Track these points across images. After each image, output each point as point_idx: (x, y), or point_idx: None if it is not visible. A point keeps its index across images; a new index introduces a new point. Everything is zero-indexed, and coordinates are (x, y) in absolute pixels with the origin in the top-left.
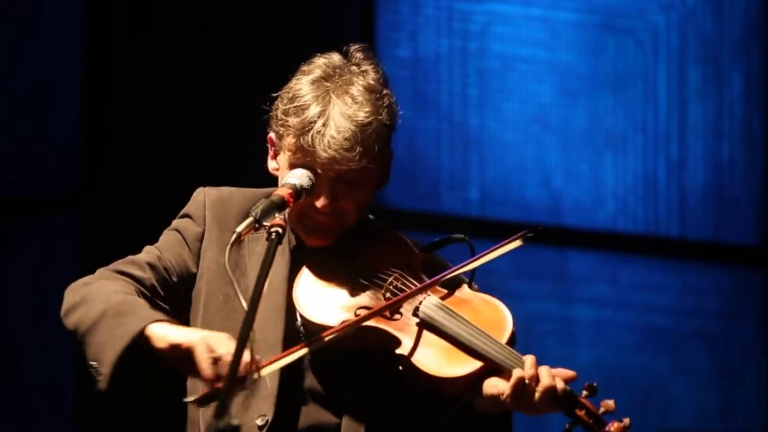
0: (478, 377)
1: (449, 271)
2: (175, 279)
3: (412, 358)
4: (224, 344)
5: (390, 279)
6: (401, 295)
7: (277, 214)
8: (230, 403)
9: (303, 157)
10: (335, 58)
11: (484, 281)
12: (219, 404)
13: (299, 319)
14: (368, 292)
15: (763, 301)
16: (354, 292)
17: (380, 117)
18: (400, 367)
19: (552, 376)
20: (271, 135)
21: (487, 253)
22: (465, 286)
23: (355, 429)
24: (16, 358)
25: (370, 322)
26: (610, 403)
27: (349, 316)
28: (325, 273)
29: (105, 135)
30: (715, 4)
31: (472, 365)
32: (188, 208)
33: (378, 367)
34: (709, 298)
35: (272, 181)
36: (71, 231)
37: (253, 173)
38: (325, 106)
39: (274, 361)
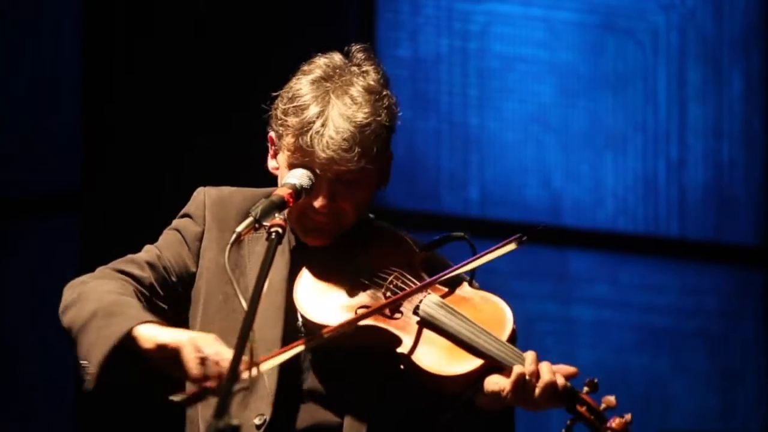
0: (479, 375)
1: (447, 271)
2: (174, 278)
3: (413, 357)
4: (211, 344)
5: (390, 278)
6: (401, 293)
7: (276, 214)
8: (230, 403)
9: (302, 157)
10: (336, 58)
11: (484, 281)
12: (219, 404)
13: (300, 319)
14: (368, 292)
15: (763, 301)
16: (354, 291)
17: (379, 118)
18: (401, 366)
19: (552, 372)
20: (271, 134)
21: (481, 256)
22: (465, 284)
23: (357, 429)
24: (16, 358)
25: (371, 321)
26: (611, 399)
27: (350, 316)
28: (325, 273)
29: (105, 135)
30: (715, 4)
31: (473, 363)
32: (188, 208)
33: (379, 367)
34: (709, 298)
35: (272, 180)
36: (71, 231)
37: (253, 173)
38: (325, 106)
39: (273, 356)
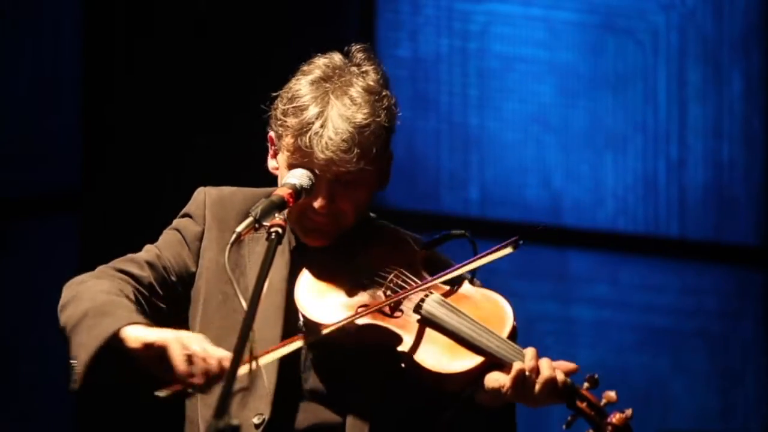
0: (479, 372)
1: (443, 273)
2: (174, 278)
3: (413, 355)
4: (198, 342)
5: (390, 276)
6: (402, 292)
7: (276, 214)
8: (230, 402)
9: (301, 158)
10: (336, 58)
11: (483, 280)
12: (218, 404)
13: (301, 318)
14: (369, 291)
15: (763, 301)
16: (354, 290)
17: (378, 119)
18: (402, 365)
19: (552, 369)
20: (271, 134)
21: (476, 259)
22: (466, 282)
23: (359, 428)
24: (16, 358)
25: (371, 319)
26: (611, 394)
27: (351, 315)
28: (325, 273)
29: (105, 135)
30: (715, 4)
31: (474, 360)
32: (188, 208)
33: (380, 365)
34: (709, 298)
35: (272, 180)
36: (71, 231)
37: (253, 173)
38: (324, 107)
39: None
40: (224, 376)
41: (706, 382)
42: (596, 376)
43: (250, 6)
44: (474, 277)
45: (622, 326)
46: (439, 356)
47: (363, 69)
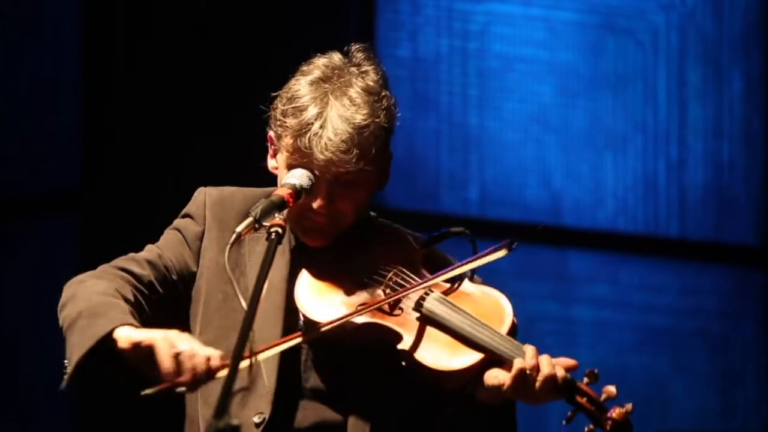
0: (479, 369)
1: (439, 273)
2: (175, 277)
3: (413, 353)
4: (185, 341)
5: (389, 275)
6: (401, 290)
7: (276, 214)
8: (230, 402)
9: (300, 159)
10: (336, 58)
11: (483, 280)
12: (218, 404)
13: (301, 318)
14: (368, 289)
15: (763, 301)
16: (354, 289)
17: (378, 119)
18: (403, 363)
19: (552, 365)
20: (271, 134)
21: (470, 262)
22: (466, 280)
23: (361, 427)
24: (16, 358)
25: (371, 318)
26: (611, 389)
27: (350, 313)
28: (325, 272)
29: (105, 135)
30: (715, 4)
31: (473, 357)
32: (189, 208)
33: (380, 364)
34: (709, 298)
35: (272, 180)
36: (71, 231)
37: (252, 173)
38: (323, 107)
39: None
40: (215, 373)
41: (706, 382)
42: (596, 371)
43: (250, 6)
44: (474, 274)
45: (622, 326)
46: (439, 354)
47: (363, 69)
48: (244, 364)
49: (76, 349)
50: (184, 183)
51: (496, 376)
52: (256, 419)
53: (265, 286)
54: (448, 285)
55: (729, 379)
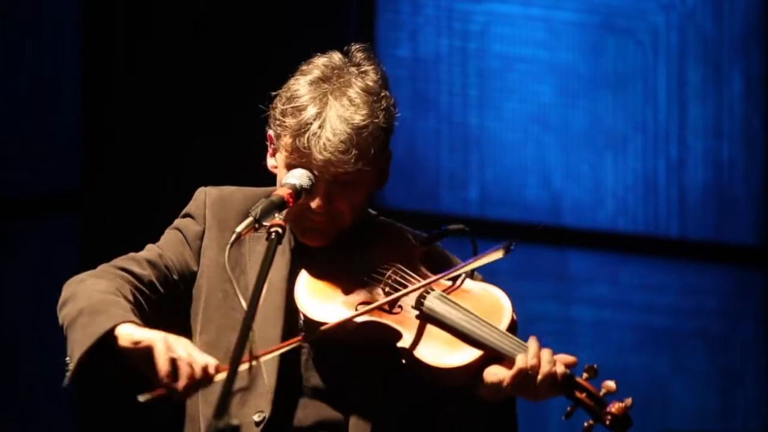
0: (479, 366)
1: (438, 276)
2: (175, 276)
3: (413, 351)
4: (183, 346)
5: (388, 273)
6: (402, 290)
7: (276, 214)
8: (230, 402)
9: (299, 158)
10: (335, 58)
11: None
12: (219, 404)
13: (302, 318)
14: (368, 288)
15: (763, 301)
16: (354, 288)
17: (377, 120)
18: (403, 361)
19: (553, 362)
20: (270, 133)
21: (467, 265)
22: (465, 276)
23: (362, 425)
24: (16, 358)
25: (370, 317)
26: (610, 384)
27: (350, 313)
28: (324, 272)
29: (105, 135)
30: (715, 4)
31: (473, 354)
32: (189, 208)
33: (381, 362)
34: (709, 298)
35: (272, 180)
36: (71, 231)
37: (252, 173)
38: (322, 108)
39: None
40: (212, 379)
41: (706, 382)
42: (595, 366)
43: (250, 6)
44: (475, 271)
45: (622, 326)
46: (439, 351)
47: (362, 69)
48: (245, 367)
49: (77, 346)
50: (184, 183)
51: (495, 374)
52: (256, 418)
53: (265, 286)
54: (448, 283)
55: (729, 379)
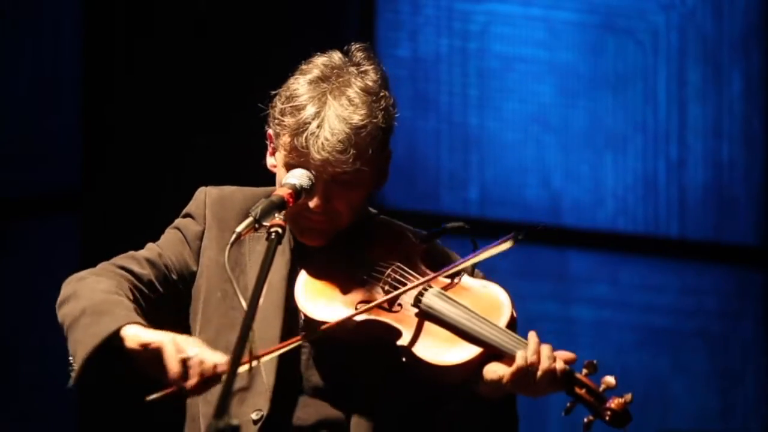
0: (479, 363)
1: (440, 272)
2: (175, 276)
3: (413, 349)
4: (194, 345)
5: (388, 271)
6: (402, 288)
7: (276, 214)
8: (230, 402)
9: (297, 158)
10: (335, 57)
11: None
12: (219, 404)
13: (302, 318)
14: (367, 286)
15: (763, 301)
16: (353, 287)
17: (375, 120)
18: (403, 359)
19: (552, 358)
20: (270, 132)
21: (475, 255)
22: (464, 274)
23: (364, 424)
24: (16, 358)
25: (370, 315)
26: (610, 379)
27: (350, 312)
28: (324, 271)
29: (105, 135)
30: (715, 4)
31: (472, 351)
32: (189, 207)
33: (381, 361)
34: (709, 298)
35: (272, 179)
36: (71, 231)
37: (252, 173)
38: (321, 107)
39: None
40: (221, 377)
41: (706, 382)
42: (595, 362)
43: (250, 6)
44: (474, 268)
45: (622, 326)
46: (438, 349)
47: (362, 69)
48: (245, 368)
49: (81, 346)
50: (184, 183)
51: (495, 371)
52: (254, 416)
53: (265, 285)
54: (447, 280)
55: (729, 379)
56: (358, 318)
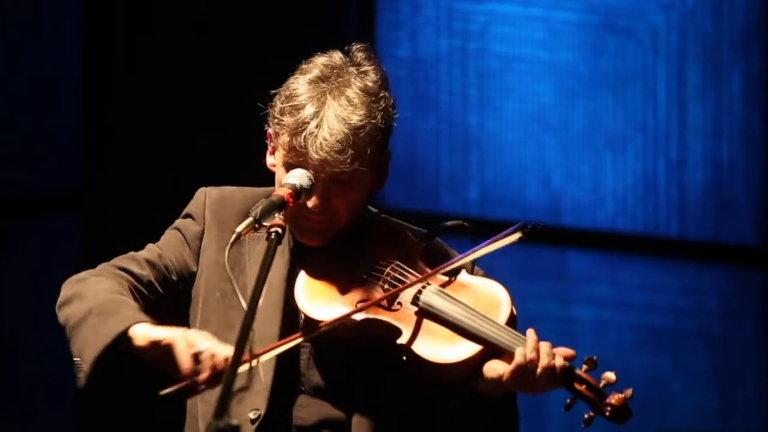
0: (478, 360)
1: (444, 265)
2: (175, 277)
3: (413, 347)
4: (204, 340)
5: (387, 270)
6: (400, 286)
7: (276, 214)
8: (230, 402)
9: (296, 157)
10: (336, 57)
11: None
12: (218, 404)
13: (302, 317)
14: (367, 285)
15: (763, 301)
16: (353, 286)
17: (374, 120)
18: (404, 357)
19: (552, 355)
20: (270, 131)
21: (485, 246)
22: (464, 271)
23: (365, 423)
24: (16, 358)
25: (369, 314)
26: (610, 375)
27: (350, 311)
28: (324, 271)
29: (105, 135)
30: (715, 4)
31: (472, 349)
32: (189, 208)
33: (382, 359)
34: (709, 298)
35: (272, 179)
36: (71, 231)
37: (252, 173)
38: (320, 107)
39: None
40: (224, 374)
41: (706, 382)
42: (595, 358)
43: (250, 6)
44: (475, 265)
45: (622, 326)
46: (437, 346)
47: (362, 69)
48: (245, 367)
49: (89, 346)
50: (184, 183)
51: (494, 368)
52: (252, 416)
53: (264, 286)
54: (446, 277)
55: (729, 379)
56: (358, 317)
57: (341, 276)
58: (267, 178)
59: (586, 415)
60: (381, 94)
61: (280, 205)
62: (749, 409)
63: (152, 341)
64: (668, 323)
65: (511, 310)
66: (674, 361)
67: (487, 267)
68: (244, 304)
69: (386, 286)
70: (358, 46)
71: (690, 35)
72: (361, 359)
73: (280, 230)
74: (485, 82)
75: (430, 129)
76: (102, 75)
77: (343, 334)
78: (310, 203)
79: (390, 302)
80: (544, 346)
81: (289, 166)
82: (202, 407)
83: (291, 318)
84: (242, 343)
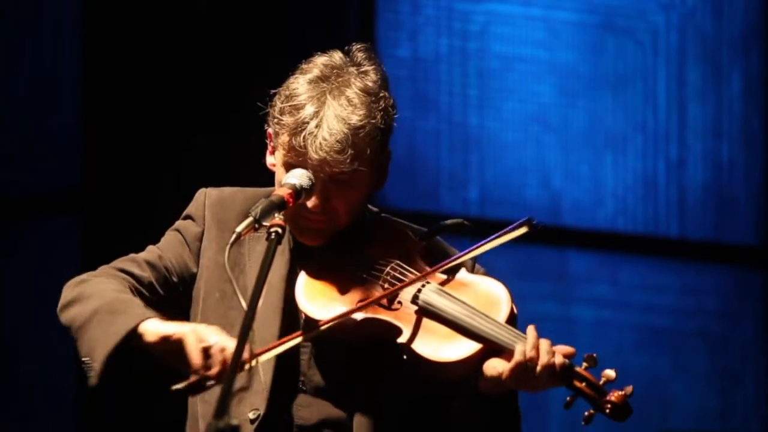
0: (479, 359)
1: (450, 259)
2: (175, 278)
3: (413, 346)
4: (214, 334)
5: (387, 269)
6: (399, 284)
7: (276, 214)
8: (230, 402)
9: (296, 157)
10: (336, 57)
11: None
12: (218, 404)
13: (303, 317)
14: (367, 285)
15: (763, 301)
16: (353, 285)
17: (374, 120)
18: (404, 356)
19: (551, 353)
20: (269, 131)
21: (489, 241)
22: (463, 270)
23: (366, 423)
24: (16, 358)
25: (369, 313)
26: (610, 373)
27: (349, 310)
28: (324, 271)
29: (105, 135)
30: (715, 4)
31: (472, 347)
32: (189, 209)
33: (382, 359)
34: (709, 298)
35: (273, 179)
36: (71, 231)
37: (252, 173)
38: (320, 107)
39: (270, 348)
40: (244, 364)
41: (706, 382)
42: (594, 355)
43: (250, 6)
44: (475, 263)
45: (622, 326)
46: (437, 345)
47: (362, 69)
48: (245, 367)
49: (99, 345)
50: (184, 183)
51: (495, 367)
52: (251, 415)
53: (264, 286)
54: (445, 276)
55: (729, 379)
56: (358, 316)
57: (341, 276)
58: (267, 178)
59: (586, 413)
60: (381, 94)
61: (279, 205)
62: (749, 409)
63: (162, 336)
64: (668, 323)
65: (511, 308)
66: (674, 361)
67: (487, 266)
68: (244, 305)
69: (386, 286)
70: (359, 46)
71: (690, 35)
72: (362, 359)
73: (280, 230)
74: (485, 82)
75: (430, 129)
76: (102, 75)
77: (344, 334)
78: (310, 203)
79: (390, 301)
80: (544, 343)
81: (288, 166)
82: (202, 407)
83: (291, 318)
84: (242, 343)
